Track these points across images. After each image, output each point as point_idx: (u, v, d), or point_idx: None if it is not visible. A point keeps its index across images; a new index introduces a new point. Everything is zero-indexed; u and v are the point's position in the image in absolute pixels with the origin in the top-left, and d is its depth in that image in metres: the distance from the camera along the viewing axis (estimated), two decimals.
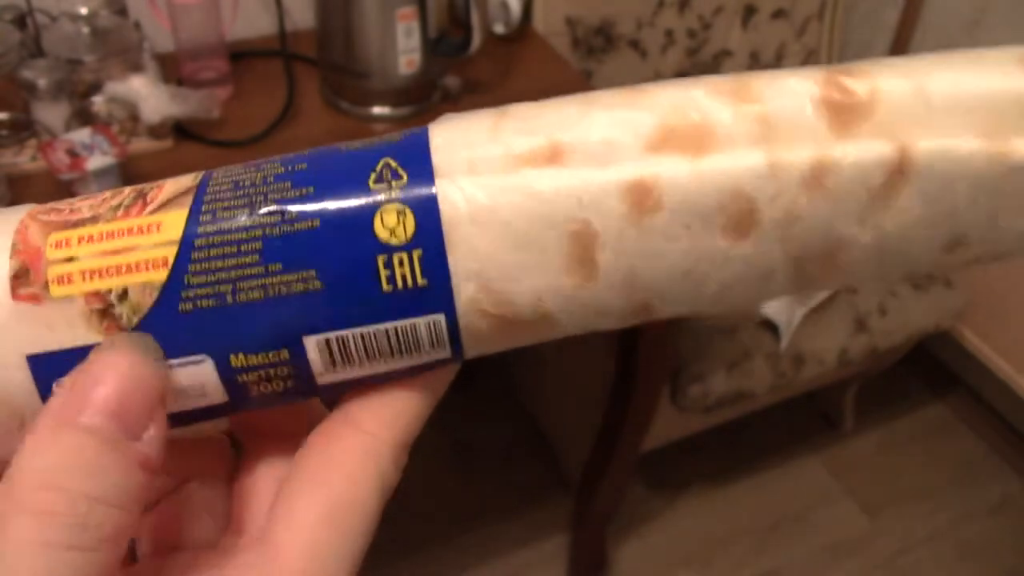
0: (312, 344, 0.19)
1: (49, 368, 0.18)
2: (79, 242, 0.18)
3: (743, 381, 1.16)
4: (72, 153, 0.79)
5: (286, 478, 0.20)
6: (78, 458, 0.17)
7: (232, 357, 0.18)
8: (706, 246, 0.18)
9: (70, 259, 0.18)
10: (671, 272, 0.18)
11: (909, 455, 1.54)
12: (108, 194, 0.20)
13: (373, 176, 0.19)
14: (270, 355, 0.19)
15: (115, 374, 0.18)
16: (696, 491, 1.44)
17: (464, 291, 0.18)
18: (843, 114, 0.18)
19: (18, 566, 0.16)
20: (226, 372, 0.19)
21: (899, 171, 0.18)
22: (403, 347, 0.19)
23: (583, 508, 1.27)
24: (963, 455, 1.54)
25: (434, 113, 0.99)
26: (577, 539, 1.31)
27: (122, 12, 0.93)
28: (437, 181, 0.18)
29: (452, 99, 1.01)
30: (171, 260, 0.18)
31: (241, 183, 0.19)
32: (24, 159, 0.85)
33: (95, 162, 0.79)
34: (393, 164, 0.19)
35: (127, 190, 0.20)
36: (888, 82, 0.18)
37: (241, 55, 1.03)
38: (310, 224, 0.18)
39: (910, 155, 0.18)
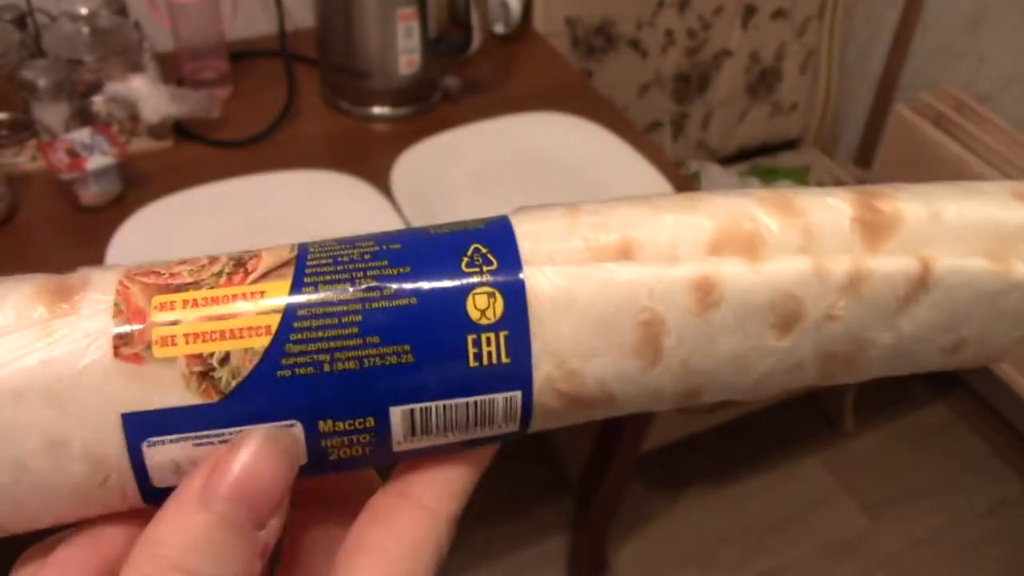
0: (397, 413, 0.20)
1: (142, 427, 0.19)
2: (183, 306, 0.19)
3: None
4: (72, 153, 0.79)
5: (344, 546, 0.21)
6: (209, 543, 0.18)
7: (321, 423, 0.20)
8: (755, 339, 0.21)
9: (174, 322, 0.19)
10: (722, 360, 0.21)
11: (909, 455, 1.54)
12: (205, 260, 0.21)
13: (465, 260, 0.20)
14: (356, 422, 0.20)
15: (255, 463, 0.19)
16: (696, 491, 1.44)
17: (542, 369, 0.20)
18: (873, 231, 0.21)
19: None
20: (312, 437, 0.20)
21: (921, 282, 0.21)
22: (479, 420, 0.21)
23: (583, 508, 1.27)
24: (963, 455, 1.54)
25: (434, 113, 0.99)
26: (577, 539, 1.31)
27: (122, 12, 0.93)
28: (525, 268, 0.20)
29: (452, 99, 1.01)
30: (274, 328, 0.19)
31: (339, 258, 0.20)
32: (24, 159, 0.85)
33: (95, 162, 0.79)
34: (483, 250, 0.21)
35: (224, 257, 0.21)
36: (909, 206, 0.22)
37: (241, 55, 1.03)
38: (408, 302, 0.20)
39: (931, 269, 0.21)
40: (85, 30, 0.88)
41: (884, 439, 1.56)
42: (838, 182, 1.53)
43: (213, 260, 0.21)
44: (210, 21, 0.95)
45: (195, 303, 0.19)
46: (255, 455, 0.19)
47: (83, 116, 0.85)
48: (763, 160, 1.60)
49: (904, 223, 0.21)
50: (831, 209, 0.21)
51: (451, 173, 0.90)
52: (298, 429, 0.20)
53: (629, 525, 1.37)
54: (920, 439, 1.57)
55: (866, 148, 1.59)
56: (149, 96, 0.86)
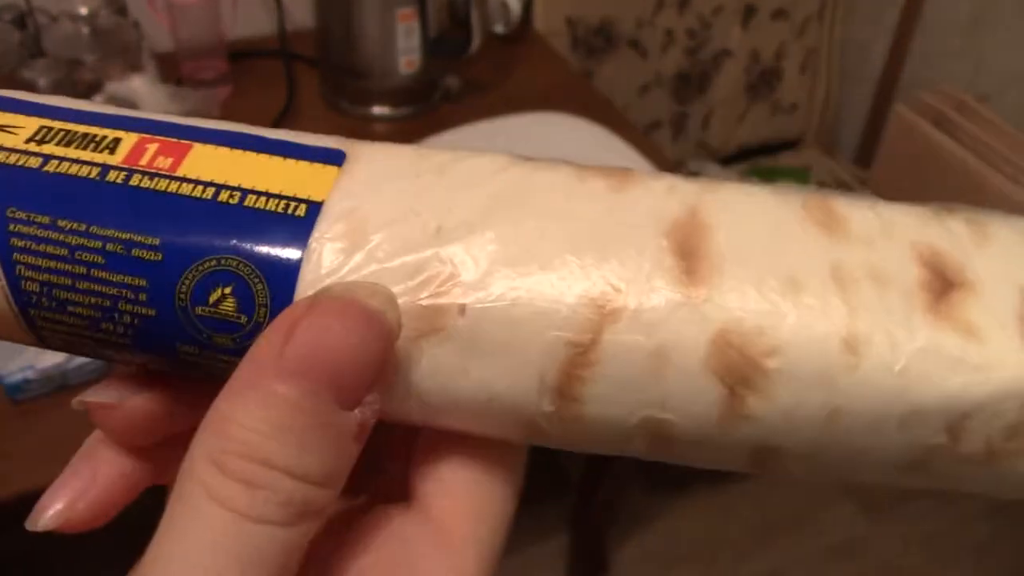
0: None
1: None
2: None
3: None
4: None
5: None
6: (289, 432, 0.15)
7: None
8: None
9: None
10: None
11: None
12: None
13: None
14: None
15: (343, 330, 0.16)
16: (696, 491, 1.44)
17: None
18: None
19: (216, 529, 0.15)
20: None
21: None
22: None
23: (583, 508, 1.27)
24: None
25: (434, 113, 0.99)
26: (577, 539, 1.31)
27: (122, 12, 0.93)
28: None
29: (452, 99, 1.01)
30: None
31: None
32: None
33: None
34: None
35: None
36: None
37: (241, 55, 1.03)
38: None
39: None
40: (85, 30, 0.88)
41: None
42: (839, 182, 1.53)
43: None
44: (210, 21, 0.95)
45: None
46: (342, 314, 0.16)
47: None
48: (763, 160, 1.60)
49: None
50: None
51: None
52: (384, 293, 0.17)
53: (629, 525, 1.37)
54: None
55: (866, 148, 1.60)
56: (149, 96, 0.86)
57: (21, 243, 0.18)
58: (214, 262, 0.17)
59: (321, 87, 1.01)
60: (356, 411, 0.16)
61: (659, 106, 1.45)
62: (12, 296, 0.18)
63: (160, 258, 0.17)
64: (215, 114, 0.91)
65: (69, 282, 0.18)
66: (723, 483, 1.45)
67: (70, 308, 0.18)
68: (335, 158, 0.19)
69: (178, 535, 0.15)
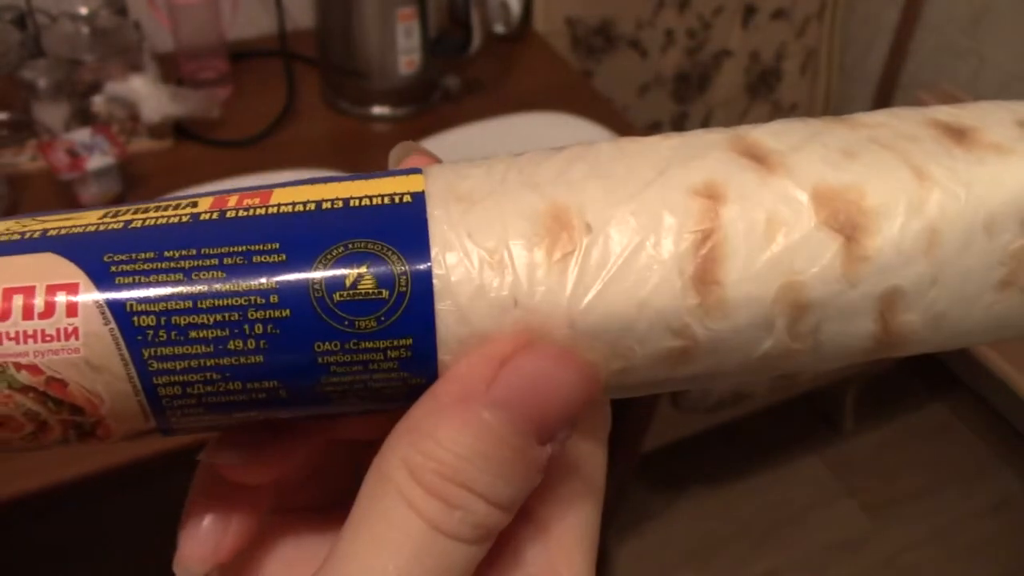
0: None
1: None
2: None
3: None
4: (72, 153, 0.79)
5: None
6: (491, 459, 0.16)
7: None
8: None
9: None
10: None
11: (909, 455, 1.54)
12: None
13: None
14: None
15: (558, 378, 0.17)
16: (696, 491, 1.44)
17: None
18: None
19: (414, 538, 0.16)
20: None
21: None
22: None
23: None
24: (963, 455, 1.54)
25: (434, 113, 0.99)
26: None
27: (122, 12, 0.93)
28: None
29: (452, 99, 1.01)
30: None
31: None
32: (24, 159, 0.85)
33: (95, 162, 0.79)
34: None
35: None
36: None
37: (241, 55, 1.03)
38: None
39: None
40: (85, 30, 0.88)
41: (884, 439, 1.56)
42: None
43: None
44: (210, 21, 0.95)
45: None
46: (561, 362, 0.16)
47: (83, 116, 0.85)
48: None
49: None
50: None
51: None
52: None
53: (629, 525, 1.37)
54: (920, 439, 1.57)
55: None
56: (149, 96, 0.86)
57: (127, 280, 0.17)
58: (341, 248, 0.17)
59: (321, 87, 1.01)
60: (548, 446, 0.17)
61: (659, 106, 1.45)
62: (125, 341, 0.17)
63: (285, 258, 0.17)
64: (215, 114, 0.91)
65: (189, 304, 0.17)
66: (723, 483, 1.45)
67: (192, 334, 0.17)
68: (413, 171, 0.19)
69: (375, 538, 0.16)
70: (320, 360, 0.17)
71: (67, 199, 0.81)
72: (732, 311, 0.18)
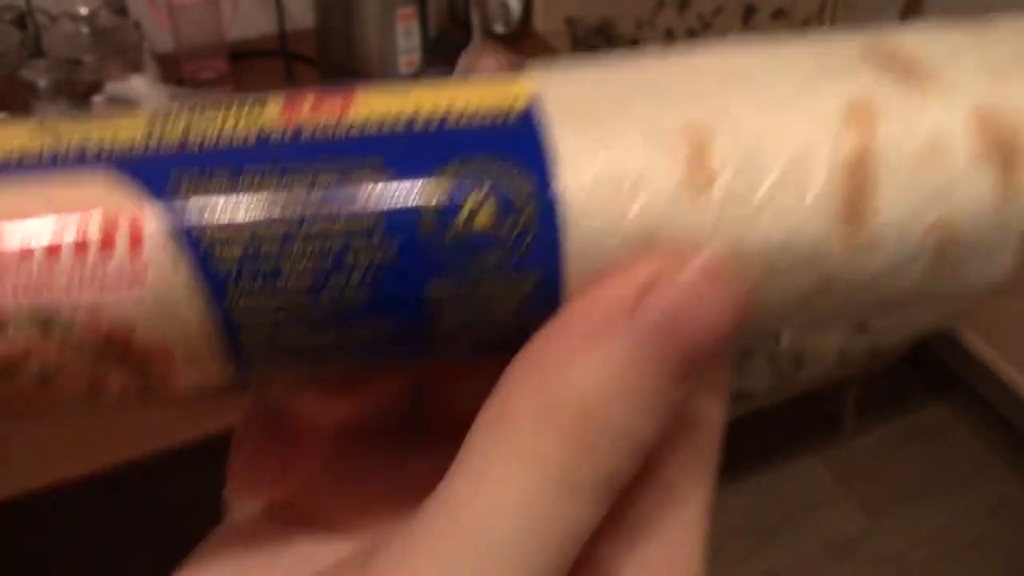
0: None
1: None
2: None
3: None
4: None
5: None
6: (632, 401, 0.14)
7: None
8: None
9: None
10: None
11: (909, 455, 1.54)
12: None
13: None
14: None
15: (715, 302, 0.14)
16: None
17: None
18: None
19: (534, 495, 0.13)
20: None
21: None
22: None
23: None
24: (963, 455, 1.54)
25: None
26: None
27: (122, 12, 0.93)
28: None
29: None
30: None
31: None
32: None
33: None
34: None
35: None
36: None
37: (241, 55, 1.03)
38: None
39: None
40: (85, 30, 0.88)
41: (884, 439, 1.56)
42: None
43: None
44: (210, 21, 0.95)
45: None
46: (706, 279, 0.14)
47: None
48: None
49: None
50: None
51: None
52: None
53: None
54: (920, 439, 1.57)
55: None
56: (149, 96, 0.86)
57: (203, 205, 0.14)
58: (456, 167, 0.14)
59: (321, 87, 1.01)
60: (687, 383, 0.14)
61: None
62: (204, 282, 0.14)
63: (389, 179, 0.14)
64: None
65: (280, 234, 0.14)
66: (723, 483, 1.45)
67: (285, 269, 0.14)
68: (516, 75, 0.16)
69: (495, 488, 0.14)
70: (430, 300, 0.14)
71: None
72: (881, 244, 0.16)
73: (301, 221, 0.14)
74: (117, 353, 0.14)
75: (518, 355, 0.15)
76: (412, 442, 0.20)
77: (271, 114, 0.15)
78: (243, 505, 0.18)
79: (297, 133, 0.15)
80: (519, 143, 0.15)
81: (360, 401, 0.18)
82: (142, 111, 0.15)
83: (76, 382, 0.14)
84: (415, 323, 0.15)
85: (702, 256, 0.14)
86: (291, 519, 0.18)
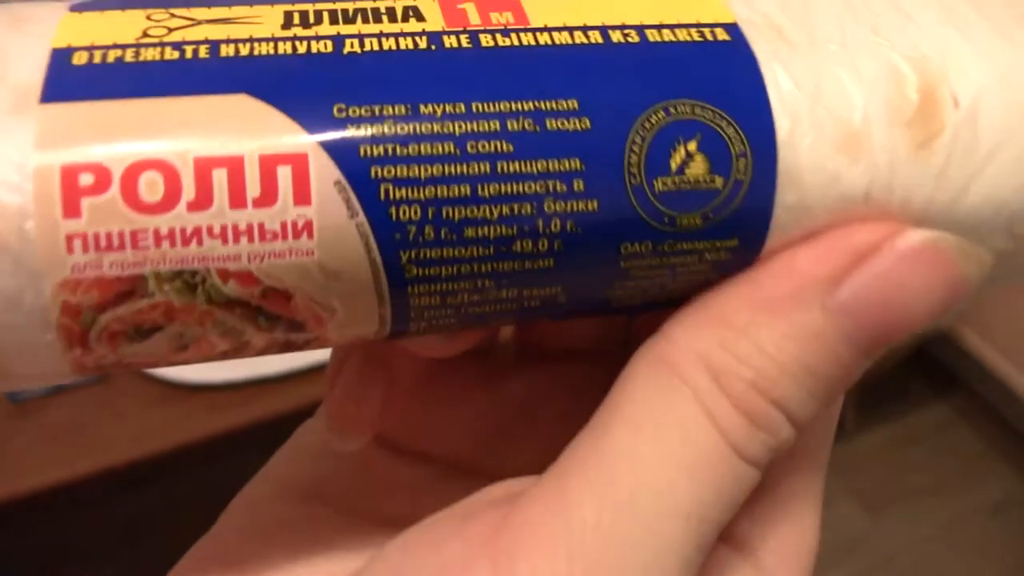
0: None
1: None
2: None
3: None
4: None
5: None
6: (815, 376, 0.13)
7: None
8: None
9: None
10: None
11: (910, 455, 1.54)
12: None
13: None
14: None
15: (918, 292, 0.13)
16: None
17: None
18: None
19: (708, 453, 0.13)
20: None
21: None
22: None
23: None
24: (964, 455, 1.54)
25: None
26: None
27: None
28: None
29: None
30: None
31: None
32: None
33: None
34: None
35: None
36: None
37: None
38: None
39: None
40: None
41: (884, 439, 1.56)
42: None
43: None
44: None
45: None
46: (928, 272, 0.13)
47: None
48: None
49: None
50: None
51: None
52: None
53: None
54: (921, 439, 1.57)
55: None
56: None
57: (378, 150, 0.11)
58: (662, 113, 0.12)
59: None
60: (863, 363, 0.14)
61: None
62: (378, 241, 0.12)
63: (589, 125, 0.12)
64: None
65: (467, 191, 0.12)
66: None
67: (469, 231, 0.12)
68: None
69: (663, 447, 0.13)
70: (623, 264, 0.13)
71: None
72: None
73: (489, 178, 0.12)
74: (269, 318, 0.12)
75: (696, 301, 0.14)
76: (500, 365, 0.19)
77: (432, 14, 0.13)
78: (345, 441, 0.18)
79: (475, 42, 0.12)
80: (732, 83, 0.13)
81: (475, 337, 0.17)
82: None
83: (214, 346, 0.12)
84: (600, 286, 0.13)
85: (917, 232, 0.13)
86: (393, 450, 0.18)
